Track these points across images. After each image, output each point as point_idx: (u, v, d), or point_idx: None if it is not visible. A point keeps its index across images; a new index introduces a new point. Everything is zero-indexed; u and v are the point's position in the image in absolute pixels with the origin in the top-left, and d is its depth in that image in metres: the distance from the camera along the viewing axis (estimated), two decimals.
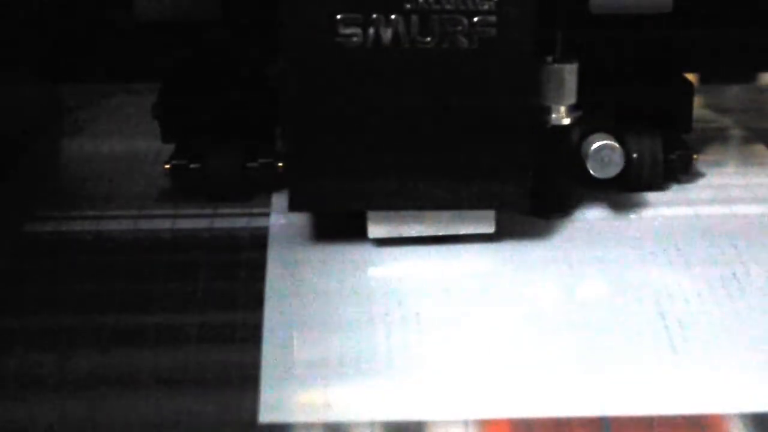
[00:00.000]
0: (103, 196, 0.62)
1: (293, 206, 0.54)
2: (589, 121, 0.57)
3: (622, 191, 0.61)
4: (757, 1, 0.63)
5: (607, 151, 0.57)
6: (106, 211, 0.60)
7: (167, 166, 0.60)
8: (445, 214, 0.54)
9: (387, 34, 0.51)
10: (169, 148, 0.61)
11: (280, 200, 0.60)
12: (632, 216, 0.58)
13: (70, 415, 0.45)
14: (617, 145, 0.57)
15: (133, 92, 0.73)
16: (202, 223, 0.59)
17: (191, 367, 0.47)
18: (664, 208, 0.59)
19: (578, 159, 0.57)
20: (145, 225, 0.58)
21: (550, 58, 0.55)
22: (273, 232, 0.57)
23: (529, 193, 0.54)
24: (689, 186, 0.62)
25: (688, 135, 0.62)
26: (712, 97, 0.75)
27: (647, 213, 0.59)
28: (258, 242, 0.56)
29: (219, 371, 0.47)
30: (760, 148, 0.68)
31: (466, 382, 0.46)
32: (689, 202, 0.60)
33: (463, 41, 0.51)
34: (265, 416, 0.44)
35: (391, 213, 0.54)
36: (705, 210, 0.59)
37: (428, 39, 0.51)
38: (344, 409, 0.45)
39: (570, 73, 0.55)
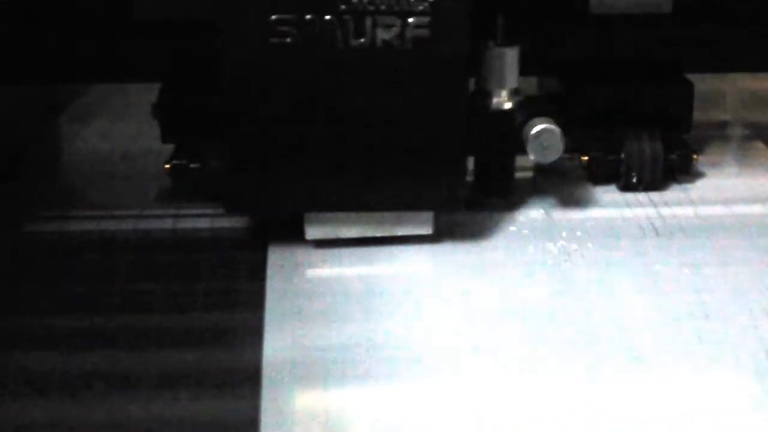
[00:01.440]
0: (103, 196, 0.62)
1: (228, 208, 0.54)
2: (530, 106, 0.57)
3: (622, 191, 0.61)
4: (757, 1, 0.63)
5: (547, 135, 0.56)
6: (106, 211, 0.60)
7: (167, 166, 0.60)
8: (384, 215, 0.54)
9: (321, 35, 0.51)
10: (169, 148, 0.61)
11: None
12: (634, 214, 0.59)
13: (71, 414, 0.45)
14: (558, 129, 0.55)
15: (132, 92, 0.73)
16: (202, 223, 0.59)
17: (191, 367, 0.47)
18: (664, 207, 0.59)
19: (517, 144, 0.57)
20: (145, 225, 0.58)
21: (491, 42, 0.55)
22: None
23: (463, 193, 0.54)
24: (689, 186, 0.62)
25: (688, 135, 0.62)
26: (712, 95, 0.75)
27: (646, 212, 0.59)
28: (258, 242, 0.56)
29: (219, 371, 0.47)
30: (760, 147, 0.68)
31: None
32: (689, 202, 0.60)
33: (397, 42, 0.51)
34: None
35: (329, 214, 0.54)
36: (705, 210, 0.59)
37: (362, 40, 0.51)
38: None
39: (511, 56, 0.55)
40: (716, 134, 0.70)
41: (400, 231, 0.55)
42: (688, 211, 0.59)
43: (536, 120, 0.56)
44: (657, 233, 0.57)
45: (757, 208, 0.59)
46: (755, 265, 0.54)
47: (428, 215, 0.54)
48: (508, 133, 0.56)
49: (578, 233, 0.57)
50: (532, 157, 0.56)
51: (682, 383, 0.46)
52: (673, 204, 0.60)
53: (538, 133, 0.55)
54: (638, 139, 0.60)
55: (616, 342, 0.48)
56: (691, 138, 0.62)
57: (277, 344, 0.48)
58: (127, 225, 0.58)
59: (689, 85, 0.62)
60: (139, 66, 0.64)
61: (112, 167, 0.65)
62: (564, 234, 0.56)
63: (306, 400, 0.46)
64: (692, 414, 0.44)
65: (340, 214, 0.54)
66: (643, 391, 0.45)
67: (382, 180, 0.53)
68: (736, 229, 0.57)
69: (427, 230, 0.55)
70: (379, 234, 0.55)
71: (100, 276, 0.54)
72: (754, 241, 0.56)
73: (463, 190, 0.54)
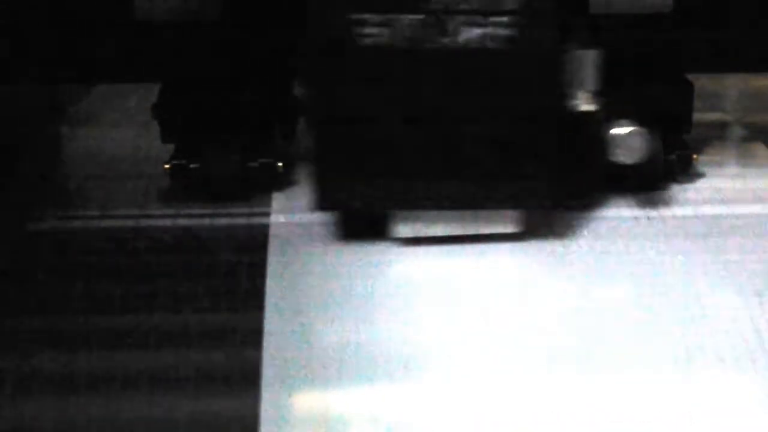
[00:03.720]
0: (103, 196, 0.62)
1: (320, 206, 0.54)
2: (612, 108, 0.57)
3: (623, 190, 0.61)
4: (757, 1, 0.63)
5: (632, 136, 0.56)
6: (106, 211, 0.60)
7: (167, 166, 0.60)
8: (470, 214, 0.54)
9: (408, 35, 0.51)
10: (169, 148, 0.61)
11: (280, 200, 0.60)
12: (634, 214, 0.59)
13: (71, 414, 0.45)
14: (643, 130, 0.56)
15: (131, 92, 0.73)
16: (202, 223, 0.59)
17: (191, 367, 0.47)
18: (664, 207, 0.59)
19: (600, 146, 0.57)
20: (145, 225, 0.58)
21: (570, 45, 0.55)
22: (273, 231, 0.57)
23: (554, 190, 0.54)
24: (689, 186, 0.62)
25: (688, 135, 0.62)
26: (712, 95, 0.75)
27: (645, 212, 0.59)
28: (258, 242, 0.56)
29: (219, 371, 0.47)
30: (760, 147, 0.68)
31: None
32: (689, 202, 0.60)
33: (487, 41, 0.51)
34: None
35: (416, 212, 0.54)
36: (705, 210, 0.59)
37: (449, 39, 0.51)
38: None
39: (591, 59, 0.55)
40: (716, 134, 0.69)
41: (487, 229, 0.55)
42: (688, 211, 0.59)
43: (620, 121, 0.56)
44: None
45: (757, 208, 0.59)
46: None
47: (514, 213, 0.55)
48: (590, 136, 0.56)
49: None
50: (617, 158, 0.56)
51: None
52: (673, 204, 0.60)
53: (624, 134, 0.56)
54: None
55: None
56: (691, 138, 0.62)
57: (277, 344, 0.48)
58: (127, 225, 0.58)
59: (689, 85, 0.62)
60: (139, 66, 0.64)
61: (112, 167, 0.65)
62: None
63: (306, 400, 0.46)
64: None
65: (428, 213, 0.54)
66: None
67: (470, 178, 0.53)
68: (736, 229, 0.57)
69: (513, 228, 0.55)
70: (465, 232, 0.55)
71: (100, 276, 0.54)
72: (753, 241, 0.56)
73: (551, 188, 0.54)
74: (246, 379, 0.46)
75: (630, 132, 0.56)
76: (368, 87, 0.52)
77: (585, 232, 0.56)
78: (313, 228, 0.57)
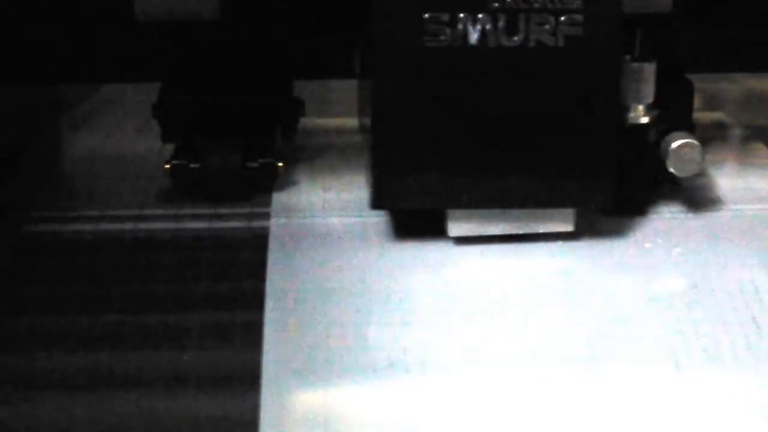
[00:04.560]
0: (103, 196, 0.62)
1: (377, 204, 0.54)
2: (666, 120, 0.57)
3: (623, 190, 0.60)
4: (757, 1, 0.63)
5: (687, 149, 0.56)
6: (106, 211, 0.60)
7: (167, 166, 0.60)
8: (524, 212, 0.54)
9: (474, 34, 0.51)
10: (169, 148, 0.61)
11: (280, 200, 0.60)
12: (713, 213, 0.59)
13: (71, 414, 0.45)
14: (697, 143, 0.56)
15: (132, 92, 0.73)
16: (202, 223, 0.59)
17: (191, 367, 0.47)
18: (664, 207, 0.59)
19: (655, 158, 0.57)
20: (145, 225, 0.58)
21: (628, 57, 0.55)
22: (273, 232, 0.57)
23: (611, 191, 0.54)
24: (689, 186, 0.62)
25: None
26: (711, 95, 0.75)
27: (645, 212, 0.59)
28: (258, 242, 0.56)
29: (219, 371, 0.47)
30: (760, 148, 0.68)
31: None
32: (689, 202, 0.60)
33: (550, 40, 0.51)
34: None
35: (471, 211, 0.54)
36: (705, 210, 0.59)
37: (515, 38, 0.51)
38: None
39: (649, 71, 0.55)
40: (716, 134, 0.69)
41: (542, 228, 0.55)
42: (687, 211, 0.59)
43: (676, 134, 0.57)
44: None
45: (757, 208, 0.59)
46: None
47: (569, 212, 0.55)
48: (645, 148, 0.57)
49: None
50: (673, 171, 0.56)
51: None
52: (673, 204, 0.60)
53: (679, 146, 0.56)
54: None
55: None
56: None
57: (276, 344, 0.48)
58: (128, 225, 0.58)
59: (689, 85, 0.62)
60: (139, 66, 0.64)
61: (112, 167, 0.65)
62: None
63: (306, 400, 0.45)
64: None
65: (483, 211, 0.54)
66: None
67: (527, 178, 0.53)
68: (736, 229, 0.57)
69: (569, 227, 0.55)
70: (521, 231, 0.55)
71: (100, 276, 0.54)
72: (754, 241, 0.56)
73: (609, 189, 0.54)
74: (246, 379, 0.46)
75: (683, 144, 0.56)
76: (429, 85, 0.52)
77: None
78: (313, 228, 0.57)
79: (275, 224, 0.58)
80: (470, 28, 0.51)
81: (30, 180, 0.64)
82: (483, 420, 0.44)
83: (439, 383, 0.46)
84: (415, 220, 0.56)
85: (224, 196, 0.60)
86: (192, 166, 0.60)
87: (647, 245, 0.56)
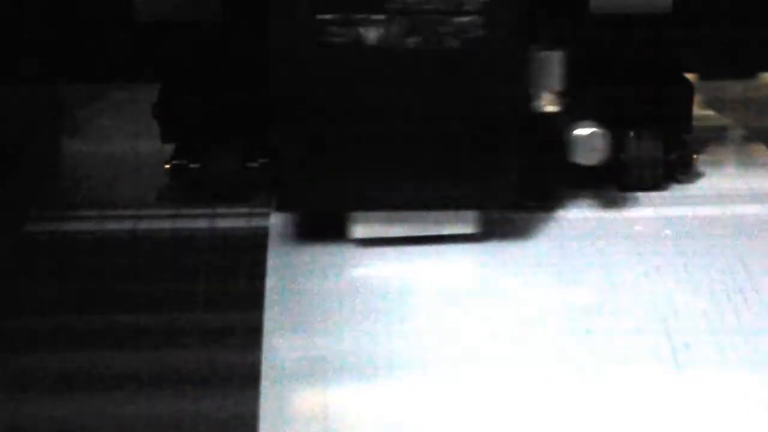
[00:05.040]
0: (103, 196, 0.62)
1: (281, 206, 0.54)
2: (575, 109, 0.57)
3: (622, 191, 0.61)
4: (757, 1, 0.63)
5: (592, 138, 0.56)
6: (106, 211, 0.60)
7: (167, 166, 0.60)
8: (429, 214, 0.54)
9: (371, 35, 0.51)
10: (169, 148, 0.61)
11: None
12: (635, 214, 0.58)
13: (70, 414, 0.45)
14: (602, 131, 0.56)
15: (132, 92, 0.73)
16: (202, 223, 0.59)
17: (191, 367, 0.47)
18: (664, 207, 0.59)
19: (564, 147, 0.57)
20: (145, 225, 0.58)
21: (536, 46, 0.55)
22: (273, 232, 0.57)
23: (513, 193, 0.54)
24: (689, 186, 0.62)
25: (688, 135, 0.62)
26: (711, 96, 0.75)
27: (645, 212, 0.59)
28: (258, 242, 0.56)
29: (218, 371, 0.47)
30: (760, 148, 0.68)
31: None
32: (689, 202, 0.60)
33: (449, 41, 0.51)
34: None
35: (374, 213, 0.54)
36: (705, 210, 0.59)
37: (413, 39, 0.51)
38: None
39: (555, 60, 0.55)
40: (716, 134, 0.69)
41: (446, 230, 0.55)
42: (687, 211, 0.59)
43: (581, 123, 0.56)
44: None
45: (757, 208, 0.59)
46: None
47: (473, 214, 0.54)
48: (552, 137, 0.56)
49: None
50: (577, 159, 0.56)
51: None
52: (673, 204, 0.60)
53: (584, 136, 0.56)
54: (638, 140, 0.60)
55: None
56: (691, 138, 0.62)
57: (277, 344, 0.48)
58: (127, 225, 0.58)
59: (689, 85, 0.62)
60: (139, 66, 0.64)
61: (112, 167, 0.65)
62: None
63: (305, 400, 0.45)
64: None
65: (386, 213, 0.54)
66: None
67: (429, 179, 0.53)
68: (736, 230, 0.57)
69: (472, 229, 0.55)
70: (424, 233, 0.55)
71: (100, 276, 0.54)
72: (754, 241, 0.56)
73: (511, 189, 0.54)
74: (246, 379, 0.46)
75: (590, 133, 0.56)
76: (329, 87, 0.51)
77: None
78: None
79: (275, 224, 0.58)
80: (368, 29, 0.51)
81: (30, 180, 0.64)
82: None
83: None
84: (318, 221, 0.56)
85: (224, 196, 0.60)
86: (192, 166, 0.60)
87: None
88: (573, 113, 0.56)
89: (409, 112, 0.52)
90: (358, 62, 0.51)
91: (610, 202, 0.60)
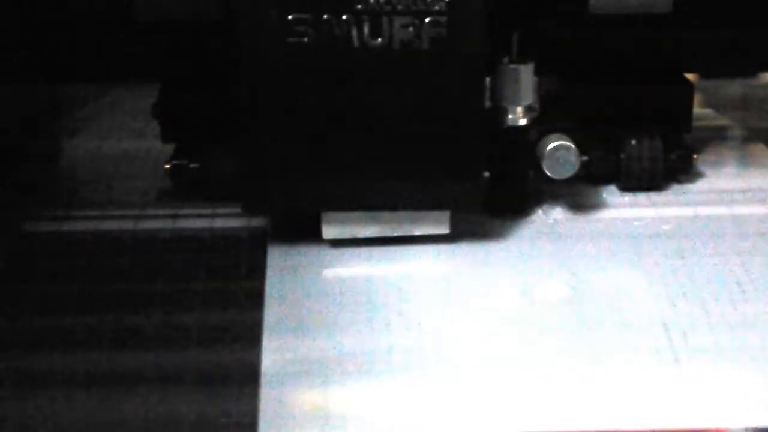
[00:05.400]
0: (103, 196, 0.62)
1: (246, 208, 0.54)
2: (545, 122, 0.57)
3: (622, 191, 0.61)
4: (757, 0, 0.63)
5: (562, 151, 0.56)
6: (106, 211, 0.60)
7: (167, 166, 0.60)
8: (400, 215, 0.54)
9: (338, 35, 0.51)
10: (169, 148, 0.61)
11: None
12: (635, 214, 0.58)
13: (71, 414, 0.45)
14: (572, 145, 0.56)
15: (132, 92, 0.73)
16: (202, 223, 0.59)
17: (190, 367, 0.47)
18: (664, 207, 0.59)
19: (535, 159, 0.57)
20: (145, 225, 0.58)
21: (506, 59, 0.55)
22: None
23: (481, 193, 0.54)
24: (689, 186, 0.62)
25: (688, 135, 0.62)
26: (711, 96, 0.75)
27: (646, 212, 0.59)
28: (258, 242, 0.56)
29: (218, 371, 0.47)
30: (760, 148, 0.68)
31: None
32: (689, 202, 0.60)
33: (415, 41, 0.51)
34: None
35: (346, 214, 0.54)
36: (705, 210, 0.59)
37: (379, 39, 0.51)
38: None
39: (526, 73, 0.55)
40: (716, 134, 0.70)
41: (417, 231, 0.55)
42: (687, 211, 0.59)
43: (552, 137, 0.56)
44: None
45: (757, 208, 0.59)
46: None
47: (445, 215, 0.54)
48: (522, 150, 0.57)
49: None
50: (548, 173, 0.56)
51: None
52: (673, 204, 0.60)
53: (554, 149, 0.56)
54: (638, 139, 0.60)
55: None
56: (691, 138, 0.62)
57: (276, 344, 0.48)
58: (127, 225, 0.58)
59: (689, 85, 0.62)
60: (139, 66, 0.64)
61: (112, 167, 0.65)
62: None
63: (306, 400, 0.46)
64: None
65: (357, 214, 0.54)
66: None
67: (399, 180, 0.53)
68: (736, 229, 0.57)
69: (444, 230, 0.55)
70: (395, 234, 0.55)
71: (100, 276, 0.54)
72: (753, 241, 0.56)
73: (480, 190, 0.54)
74: (246, 379, 0.46)
75: (558, 146, 0.56)
76: (297, 87, 0.51)
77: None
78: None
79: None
80: (334, 29, 0.51)
81: (30, 180, 0.64)
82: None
83: None
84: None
85: (224, 196, 0.60)
86: (192, 166, 0.60)
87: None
88: (543, 127, 0.57)
89: (379, 113, 0.52)
90: (327, 62, 0.51)
91: (610, 202, 0.60)
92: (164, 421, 0.44)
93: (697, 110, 0.64)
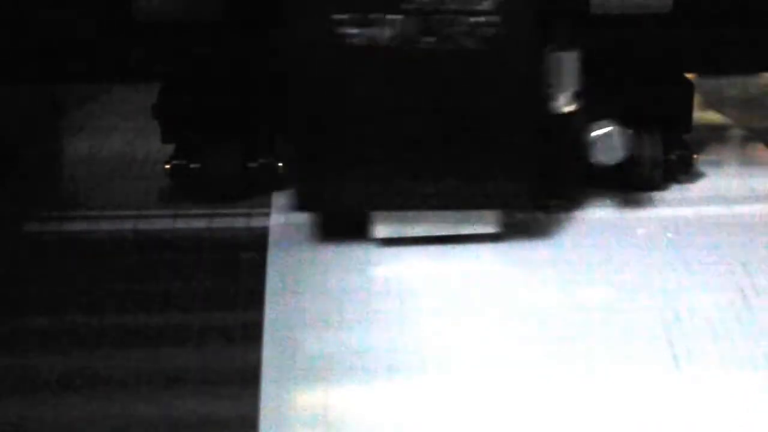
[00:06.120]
0: (103, 196, 0.62)
1: (299, 207, 0.54)
2: (592, 109, 0.57)
3: (624, 190, 0.60)
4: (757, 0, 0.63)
5: (611, 136, 0.56)
6: (106, 211, 0.60)
7: (167, 166, 0.60)
8: (449, 214, 0.54)
9: (387, 34, 0.51)
10: (169, 148, 0.61)
11: (280, 200, 0.60)
12: (636, 214, 0.58)
13: (70, 414, 0.45)
14: (622, 130, 0.56)
15: (132, 92, 0.73)
16: (202, 223, 0.59)
17: (190, 366, 0.47)
18: (665, 207, 0.59)
19: (581, 147, 0.57)
20: (145, 225, 0.58)
21: (551, 46, 0.55)
22: (273, 232, 0.57)
23: (533, 192, 0.54)
24: (689, 186, 0.62)
25: (688, 135, 0.62)
26: (711, 95, 0.75)
27: (647, 212, 0.59)
28: (258, 242, 0.56)
29: (218, 371, 0.47)
30: (760, 148, 0.68)
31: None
32: (689, 202, 0.60)
33: (465, 41, 0.51)
34: None
35: (396, 213, 0.54)
36: (705, 210, 0.59)
37: (429, 39, 0.51)
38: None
39: (571, 60, 0.55)
40: (716, 134, 0.69)
41: (466, 229, 0.55)
42: (687, 211, 0.59)
43: (600, 122, 0.56)
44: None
45: (757, 208, 0.59)
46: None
47: (494, 214, 0.54)
48: (570, 136, 0.56)
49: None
50: (597, 158, 0.56)
51: None
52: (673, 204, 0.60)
53: (603, 134, 0.56)
54: (638, 140, 0.60)
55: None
56: (691, 138, 0.62)
57: (277, 344, 0.48)
58: (127, 225, 0.58)
59: (689, 85, 0.62)
60: (139, 66, 0.64)
61: (112, 167, 0.65)
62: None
63: (306, 400, 0.46)
64: None
65: (407, 213, 0.54)
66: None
67: (450, 179, 0.53)
68: (736, 229, 0.57)
69: (493, 229, 0.55)
70: (445, 232, 0.55)
71: (100, 276, 0.54)
72: (753, 242, 0.56)
73: (531, 189, 0.54)
74: (246, 379, 0.46)
75: (608, 132, 0.56)
76: (349, 87, 0.52)
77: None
78: (312, 228, 0.57)
79: (275, 224, 0.58)
80: (384, 29, 0.51)
81: (30, 180, 0.64)
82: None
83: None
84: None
85: (224, 196, 0.60)
86: (192, 166, 0.60)
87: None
88: (591, 113, 0.57)
89: (430, 112, 0.52)
90: (377, 62, 0.51)
91: (610, 202, 0.60)
92: (164, 421, 0.44)
93: (699, 112, 0.64)
